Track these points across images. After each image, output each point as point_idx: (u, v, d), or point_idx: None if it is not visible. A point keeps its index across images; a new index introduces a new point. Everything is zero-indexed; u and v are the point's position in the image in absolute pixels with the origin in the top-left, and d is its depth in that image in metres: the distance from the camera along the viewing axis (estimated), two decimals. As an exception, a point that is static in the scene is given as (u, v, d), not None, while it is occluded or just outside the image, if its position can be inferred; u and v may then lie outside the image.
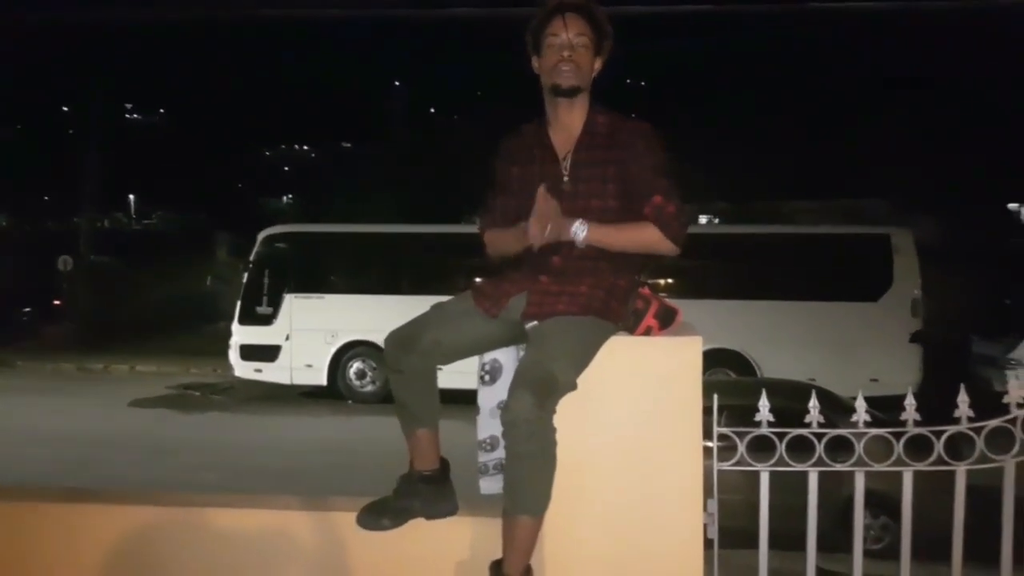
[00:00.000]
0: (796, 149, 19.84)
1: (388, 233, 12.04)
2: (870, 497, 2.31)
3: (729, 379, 9.24)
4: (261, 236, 11.34)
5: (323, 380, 11.04)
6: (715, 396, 2.24)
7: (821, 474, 2.22)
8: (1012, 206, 21.08)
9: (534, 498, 1.95)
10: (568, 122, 2.14)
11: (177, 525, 2.34)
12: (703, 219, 20.17)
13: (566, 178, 2.11)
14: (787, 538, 2.33)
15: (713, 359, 10.14)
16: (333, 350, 11.00)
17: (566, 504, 2.02)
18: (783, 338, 9.90)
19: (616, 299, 2.10)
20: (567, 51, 2.07)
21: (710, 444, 2.23)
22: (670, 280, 10.80)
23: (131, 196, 44.15)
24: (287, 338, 10.96)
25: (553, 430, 1.95)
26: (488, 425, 2.24)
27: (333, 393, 11.05)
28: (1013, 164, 17.38)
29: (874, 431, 2.21)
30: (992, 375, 9.88)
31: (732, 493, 2.34)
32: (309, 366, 11.03)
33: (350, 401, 10.96)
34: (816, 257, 10.29)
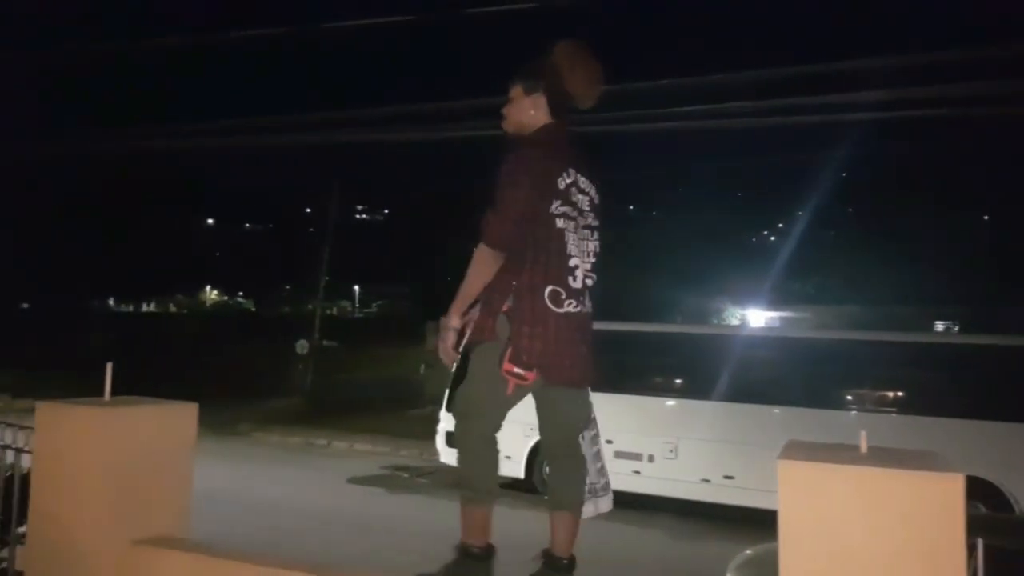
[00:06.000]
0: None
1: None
2: None
3: (983, 514, 8.03)
4: (470, 328, 11.82)
5: (521, 472, 11.05)
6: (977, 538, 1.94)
7: None
8: None
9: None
10: None
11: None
12: (939, 325, 18.17)
13: None
14: None
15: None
16: (531, 443, 11.02)
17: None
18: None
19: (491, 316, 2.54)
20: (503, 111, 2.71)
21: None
22: (900, 393, 9.77)
23: (356, 287, 48.42)
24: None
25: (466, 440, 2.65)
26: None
27: (530, 487, 11.02)
28: None
29: None
30: None
31: None
32: (508, 457, 11.09)
33: (547, 497, 10.84)
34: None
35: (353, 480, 11.76)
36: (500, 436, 11.03)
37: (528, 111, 2.61)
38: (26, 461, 3.39)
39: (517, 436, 11.06)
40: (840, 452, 2.14)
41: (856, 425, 9.60)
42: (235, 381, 18.48)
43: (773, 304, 20.28)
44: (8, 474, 3.56)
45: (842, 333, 11.97)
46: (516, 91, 2.63)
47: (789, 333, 14.25)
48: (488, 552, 2.60)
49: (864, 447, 2.14)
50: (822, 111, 9.38)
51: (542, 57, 2.63)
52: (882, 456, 2.08)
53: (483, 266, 2.48)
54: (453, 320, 2.52)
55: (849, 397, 9.77)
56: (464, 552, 2.56)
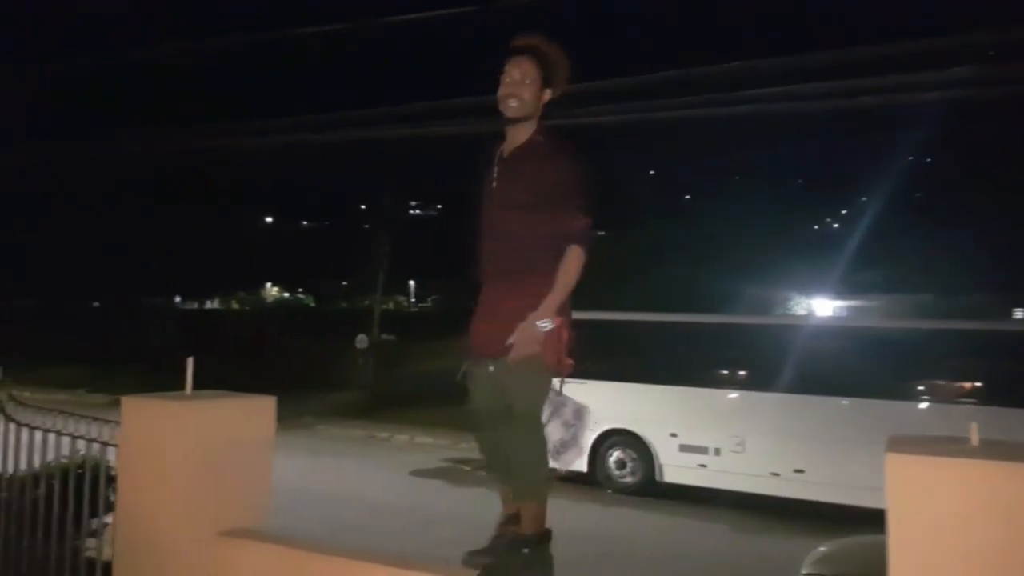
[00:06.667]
0: None
1: (650, 321, 11.87)
2: None
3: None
4: (529, 321, 11.76)
5: (583, 466, 10.97)
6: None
7: None
8: None
9: None
10: (514, 140, 2.61)
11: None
12: (1018, 312, 17.35)
13: (494, 181, 2.57)
14: None
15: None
16: (593, 436, 10.92)
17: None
18: None
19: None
20: (511, 88, 2.55)
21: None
22: (977, 383, 9.37)
23: (411, 282, 48.90)
24: (549, 421, 11.07)
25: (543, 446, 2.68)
26: None
27: (593, 480, 10.93)
28: None
29: None
30: None
31: None
32: (570, 450, 11.02)
33: (609, 491, 10.75)
34: None
35: (415, 473, 11.87)
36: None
37: (539, 103, 2.59)
38: (109, 454, 3.47)
39: (579, 429, 10.98)
40: (950, 446, 2.02)
41: (931, 416, 9.29)
42: (297, 375, 18.82)
43: (841, 293, 19.72)
44: (94, 466, 3.66)
45: (914, 322, 11.57)
46: (534, 77, 2.55)
47: (859, 323, 13.85)
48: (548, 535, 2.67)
49: (975, 439, 2.02)
50: (893, 91, 8.98)
51: (557, 55, 2.59)
52: (996, 449, 1.96)
53: (579, 272, 2.51)
54: (550, 320, 2.48)
55: (922, 388, 9.43)
56: (534, 539, 2.63)
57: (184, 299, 52.21)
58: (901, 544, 1.87)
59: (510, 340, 2.45)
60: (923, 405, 9.19)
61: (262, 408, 3.08)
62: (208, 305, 53.36)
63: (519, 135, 2.58)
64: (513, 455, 2.60)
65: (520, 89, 2.54)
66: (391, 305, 40.76)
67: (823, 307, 18.97)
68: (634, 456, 10.66)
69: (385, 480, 11.37)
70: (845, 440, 9.10)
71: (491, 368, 2.51)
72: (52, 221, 36.46)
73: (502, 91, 2.56)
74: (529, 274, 2.51)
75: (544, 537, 2.62)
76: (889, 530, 1.89)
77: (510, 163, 2.57)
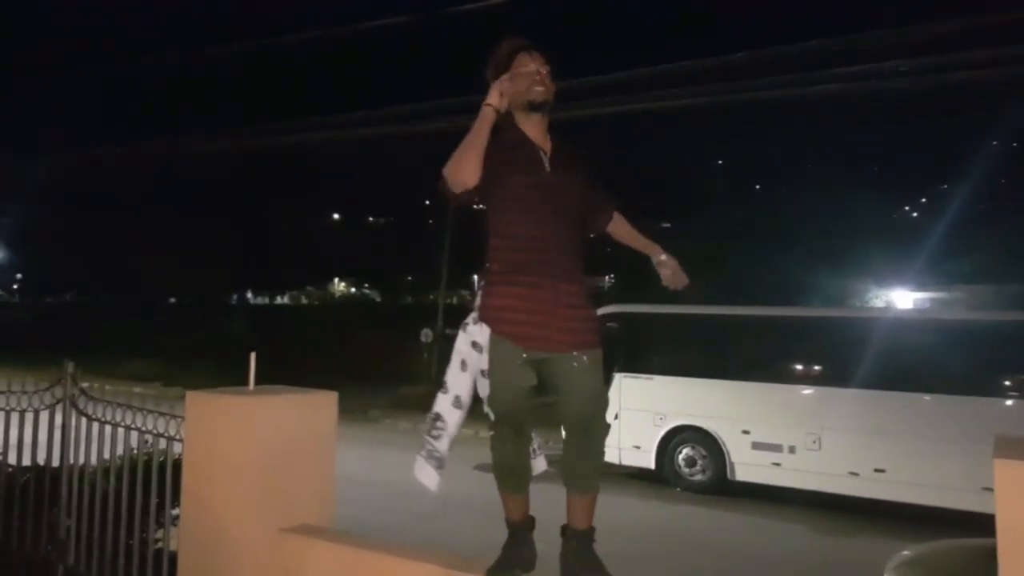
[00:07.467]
0: None
1: (719, 315, 11.54)
2: None
3: None
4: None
5: (651, 463, 10.76)
6: None
7: None
8: None
9: None
10: (537, 132, 2.59)
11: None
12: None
13: (547, 167, 2.54)
14: None
15: None
16: (661, 433, 10.71)
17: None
18: None
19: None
20: (539, 75, 2.55)
21: None
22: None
23: (475, 276, 49.16)
24: (616, 417, 10.89)
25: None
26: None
27: (661, 478, 10.71)
28: None
29: None
30: None
31: None
32: (637, 447, 10.83)
33: (678, 489, 10.50)
34: None
35: (479, 467, 11.81)
36: (633, 425, 10.57)
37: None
38: (176, 448, 3.50)
39: (647, 426, 10.78)
40: (1069, 449, 1.81)
41: (1020, 413, 8.78)
42: (364, 369, 19.07)
43: (922, 284, 18.83)
44: (161, 459, 3.71)
45: (1001, 314, 10.96)
46: (547, 70, 2.60)
47: (942, 315, 13.22)
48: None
49: (1098, 443, 1.81)
50: (979, 67, 8.41)
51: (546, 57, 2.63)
52: (1123, 454, 1.74)
53: None
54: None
55: (1009, 383, 8.92)
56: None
57: (256, 295, 53.75)
58: (1013, 553, 1.69)
59: (667, 270, 2.64)
60: (1010, 402, 8.69)
61: (324, 403, 3.05)
62: (279, 300, 54.83)
63: (539, 125, 2.61)
64: (595, 448, 2.58)
65: (543, 77, 2.59)
66: (455, 300, 41.02)
67: (903, 299, 18.18)
68: (704, 453, 10.39)
69: (451, 474, 11.31)
70: (928, 438, 8.68)
71: (584, 359, 2.48)
72: (130, 220, 37.95)
73: (526, 81, 2.57)
74: (580, 262, 2.58)
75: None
76: (999, 538, 1.70)
77: (555, 153, 2.57)
